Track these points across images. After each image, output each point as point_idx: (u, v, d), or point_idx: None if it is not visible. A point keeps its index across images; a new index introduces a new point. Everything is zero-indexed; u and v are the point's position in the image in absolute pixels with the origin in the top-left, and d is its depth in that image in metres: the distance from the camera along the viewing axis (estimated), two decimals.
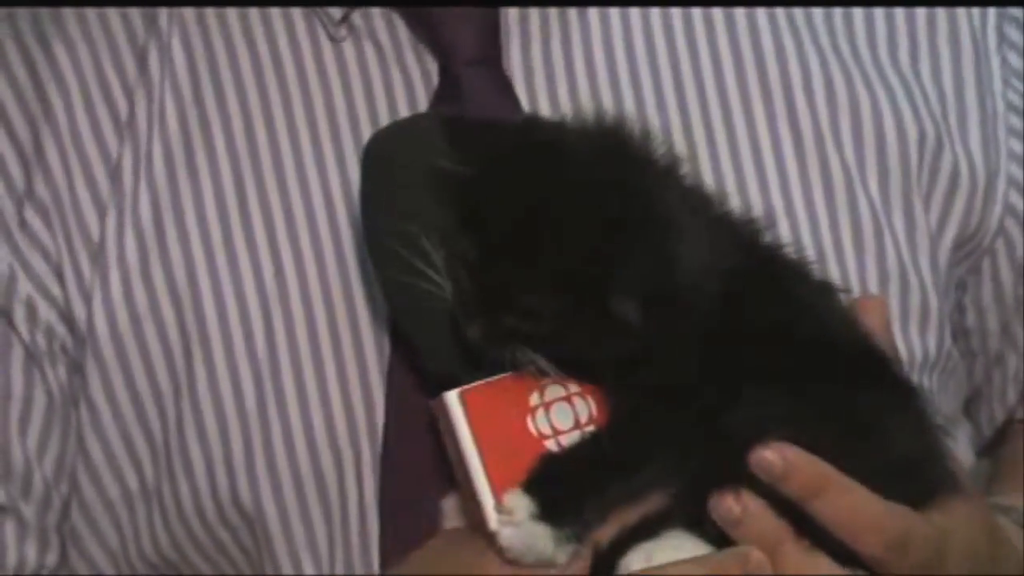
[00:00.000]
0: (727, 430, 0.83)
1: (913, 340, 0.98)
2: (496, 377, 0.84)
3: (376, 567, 0.93)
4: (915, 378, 0.97)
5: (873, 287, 0.97)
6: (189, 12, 0.96)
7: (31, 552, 0.96)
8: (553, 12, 0.96)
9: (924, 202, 0.98)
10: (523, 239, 0.80)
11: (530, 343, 0.81)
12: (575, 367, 0.82)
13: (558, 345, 0.81)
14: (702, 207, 0.86)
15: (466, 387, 0.83)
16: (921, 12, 0.99)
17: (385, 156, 0.86)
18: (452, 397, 0.83)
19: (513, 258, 0.80)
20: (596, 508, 0.82)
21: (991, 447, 1.06)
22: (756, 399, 0.83)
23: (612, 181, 0.81)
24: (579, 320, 0.80)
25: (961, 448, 1.01)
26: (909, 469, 0.85)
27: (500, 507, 0.81)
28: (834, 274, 0.94)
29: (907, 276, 0.97)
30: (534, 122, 0.85)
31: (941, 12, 0.99)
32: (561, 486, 0.82)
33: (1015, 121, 1.00)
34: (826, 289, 0.89)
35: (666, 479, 0.83)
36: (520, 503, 0.81)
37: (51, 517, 0.96)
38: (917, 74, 0.99)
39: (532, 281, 0.80)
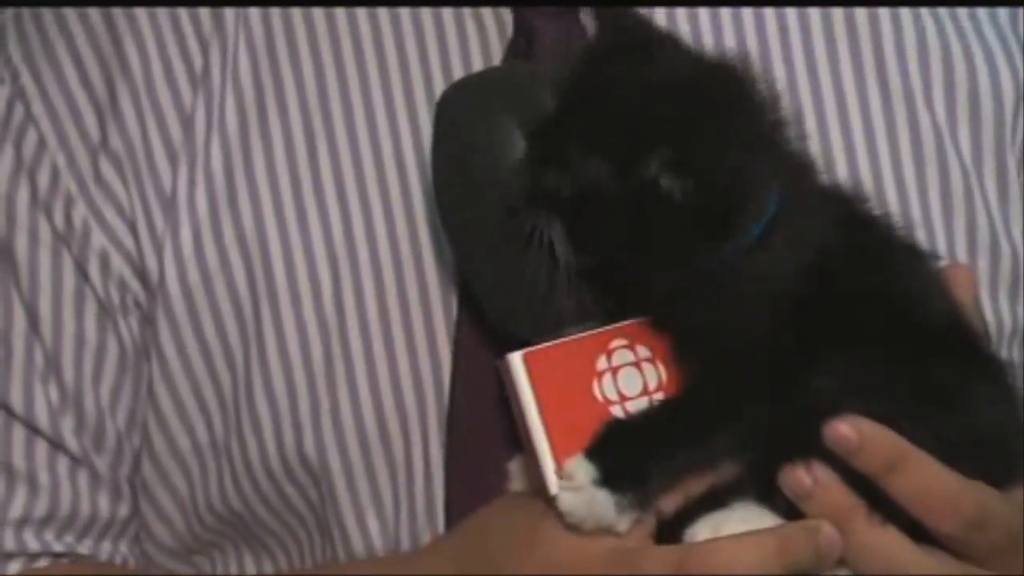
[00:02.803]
0: (802, 400, 0.81)
1: (1003, 309, 0.95)
2: (562, 340, 0.82)
3: (441, 526, 0.92)
4: (1004, 348, 0.95)
5: (962, 252, 0.94)
6: None
7: (104, 503, 0.96)
8: None
9: (1018, 163, 0.95)
10: (593, 102, 0.77)
11: (563, 213, 0.77)
12: (601, 266, 0.79)
13: (591, 220, 0.78)
14: (799, 174, 0.84)
15: (530, 349, 0.82)
16: None
17: (457, 111, 0.85)
18: (515, 358, 0.82)
19: (574, 118, 0.78)
20: (662, 476, 0.81)
21: None
22: (834, 370, 0.81)
23: (702, 78, 0.79)
24: (616, 189, 0.77)
25: None
26: (991, 447, 0.83)
27: (561, 472, 0.80)
28: (921, 238, 0.91)
29: (998, 241, 0.94)
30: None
31: None
32: (625, 452, 0.80)
33: None
34: (917, 257, 0.86)
35: (737, 449, 0.81)
36: (581, 468, 0.80)
37: (123, 469, 0.96)
38: (1016, 28, 0.95)
39: (584, 137, 0.78)
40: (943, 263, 0.88)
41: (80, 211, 0.95)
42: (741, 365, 0.81)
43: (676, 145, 0.77)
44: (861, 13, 0.94)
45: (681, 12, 0.94)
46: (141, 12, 0.96)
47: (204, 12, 0.96)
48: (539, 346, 0.82)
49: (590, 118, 0.78)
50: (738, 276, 0.81)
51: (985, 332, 0.87)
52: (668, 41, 0.81)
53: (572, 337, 0.82)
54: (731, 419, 0.81)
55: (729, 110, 0.79)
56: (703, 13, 0.94)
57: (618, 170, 0.78)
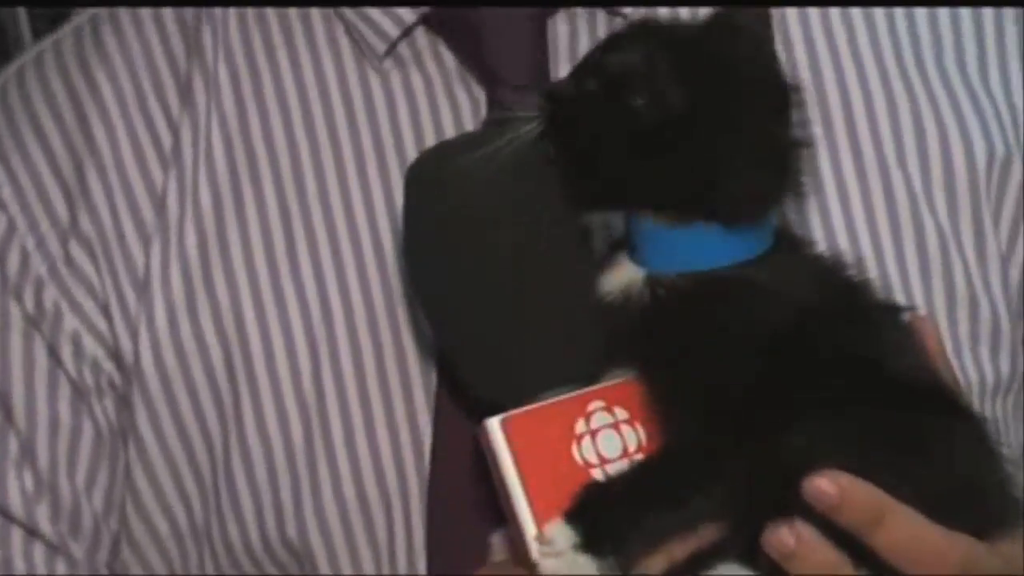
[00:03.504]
0: (782, 457, 0.80)
1: (984, 364, 0.94)
2: (540, 404, 0.82)
3: None
4: (988, 404, 0.94)
5: (941, 311, 0.93)
6: (235, 39, 0.96)
7: None
8: (603, 32, 0.95)
9: (994, 219, 0.95)
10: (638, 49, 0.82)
11: (558, 113, 0.81)
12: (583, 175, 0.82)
13: (575, 131, 0.81)
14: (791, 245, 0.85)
15: (508, 414, 0.81)
16: (989, 14, 0.96)
17: (428, 176, 0.84)
18: (494, 424, 0.81)
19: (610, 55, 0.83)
20: (644, 538, 0.80)
21: None
22: (813, 426, 0.81)
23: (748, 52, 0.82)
24: (599, 106, 0.81)
25: None
26: (972, 497, 0.82)
27: (541, 537, 0.79)
28: (900, 300, 0.90)
29: (977, 298, 0.94)
30: None
31: (1009, 17, 0.96)
32: (605, 515, 0.79)
33: None
34: (891, 312, 0.86)
35: (719, 509, 0.80)
36: (561, 533, 0.79)
37: (101, 554, 0.95)
38: (987, 87, 0.95)
39: (588, 68, 0.82)
40: (908, 316, 0.88)
41: (51, 294, 0.94)
42: (720, 423, 0.80)
43: (658, 71, 0.80)
44: (830, 80, 0.94)
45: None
46: (107, 90, 0.96)
47: (171, 88, 0.96)
48: (517, 411, 0.81)
49: (622, 52, 0.82)
50: (722, 321, 0.81)
51: (956, 383, 0.87)
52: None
53: (550, 401, 0.82)
54: (711, 479, 0.80)
55: (751, 90, 0.81)
56: None
57: (603, 82, 0.81)
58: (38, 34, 1.61)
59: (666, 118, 0.80)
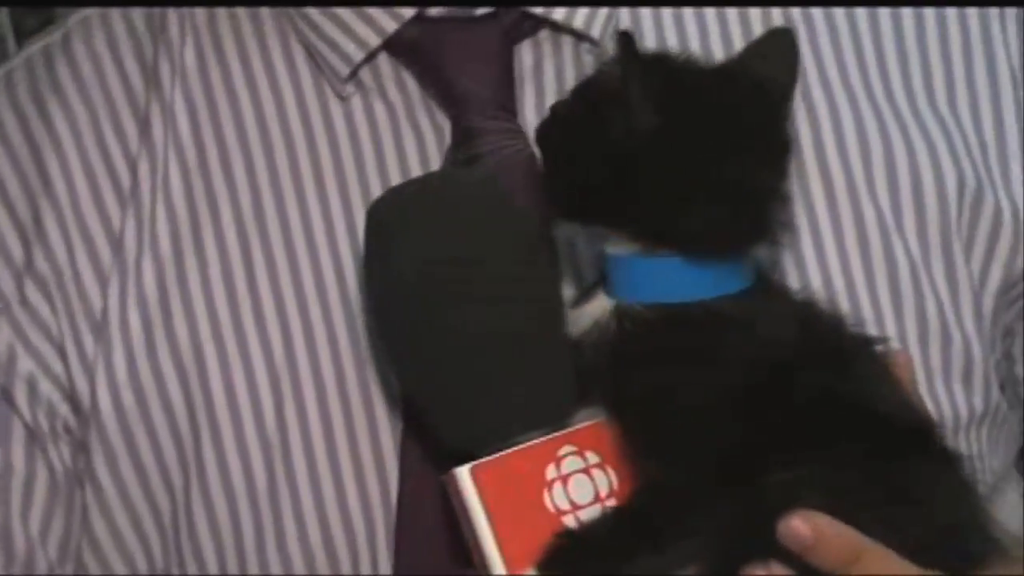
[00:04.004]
0: (759, 498, 0.79)
1: (957, 397, 0.93)
2: (509, 451, 0.80)
3: None
4: (961, 436, 0.93)
5: (913, 344, 0.92)
6: (192, 70, 0.94)
7: None
8: (568, 60, 0.93)
9: (965, 250, 0.94)
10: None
11: (554, 128, 0.82)
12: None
13: (560, 145, 0.82)
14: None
15: (478, 462, 0.79)
16: (956, 45, 0.95)
17: (388, 220, 0.82)
18: (463, 472, 0.79)
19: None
20: None
21: None
22: (788, 466, 0.79)
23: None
24: (581, 123, 0.81)
25: (1012, 505, 0.96)
26: (949, 536, 0.81)
27: None
28: (873, 332, 0.89)
29: (949, 331, 0.93)
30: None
31: (977, 44, 0.95)
32: (578, 564, 0.78)
33: None
34: (866, 346, 0.85)
35: (694, 552, 0.79)
36: None
37: None
38: (956, 115, 0.94)
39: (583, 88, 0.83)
40: (882, 348, 0.86)
41: (5, 336, 0.92)
42: (694, 465, 0.79)
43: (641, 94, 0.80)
44: (800, 109, 0.93)
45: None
46: (63, 126, 0.94)
47: (129, 122, 0.93)
48: (487, 459, 0.79)
49: (610, 74, 0.82)
50: (687, 354, 0.80)
51: (928, 416, 0.86)
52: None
53: (519, 447, 0.80)
54: (685, 523, 0.79)
55: (731, 131, 0.81)
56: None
57: (588, 101, 0.82)
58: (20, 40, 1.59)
59: (636, 142, 0.79)
